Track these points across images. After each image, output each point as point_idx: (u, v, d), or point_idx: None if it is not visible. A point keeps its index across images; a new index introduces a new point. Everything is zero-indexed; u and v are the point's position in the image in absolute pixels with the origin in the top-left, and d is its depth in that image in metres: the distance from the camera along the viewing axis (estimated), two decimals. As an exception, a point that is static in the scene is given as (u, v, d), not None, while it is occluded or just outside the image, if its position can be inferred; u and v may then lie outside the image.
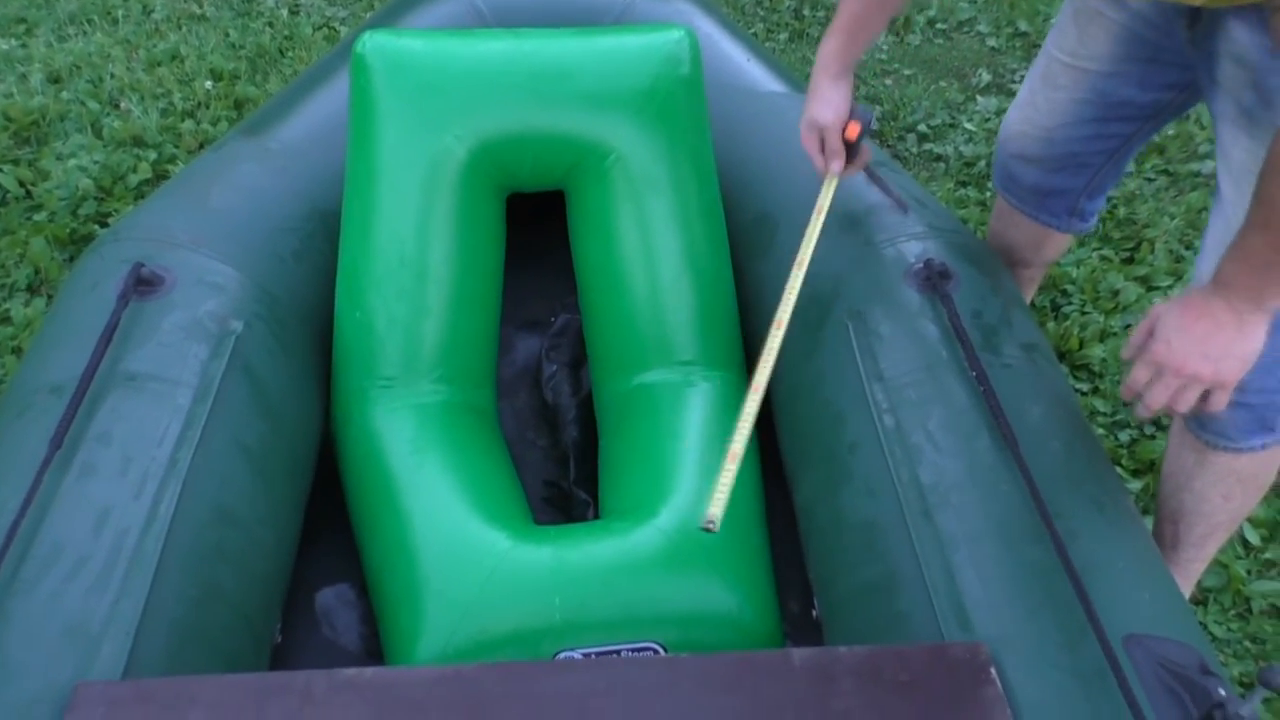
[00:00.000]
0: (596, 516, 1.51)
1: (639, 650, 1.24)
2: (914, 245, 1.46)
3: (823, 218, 1.43)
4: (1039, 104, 1.53)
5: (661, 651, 1.24)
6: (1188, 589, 1.54)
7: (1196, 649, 1.04)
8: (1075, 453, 1.24)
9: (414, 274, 1.49)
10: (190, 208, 1.54)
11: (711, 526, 1.12)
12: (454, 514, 1.32)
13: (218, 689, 0.95)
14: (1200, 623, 1.60)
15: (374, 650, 1.40)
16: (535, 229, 1.81)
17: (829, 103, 1.41)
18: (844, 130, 1.43)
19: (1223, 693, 0.97)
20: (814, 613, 1.35)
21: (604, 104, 1.51)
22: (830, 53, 1.42)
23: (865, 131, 1.44)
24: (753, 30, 3.20)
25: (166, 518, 1.12)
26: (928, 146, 2.70)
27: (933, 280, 1.40)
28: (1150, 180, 2.51)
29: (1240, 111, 1.18)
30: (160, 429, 1.21)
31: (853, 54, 1.43)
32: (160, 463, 1.17)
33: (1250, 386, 1.19)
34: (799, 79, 1.88)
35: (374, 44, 1.48)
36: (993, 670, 0.99)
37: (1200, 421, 1.33)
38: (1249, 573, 1.67)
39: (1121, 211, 2.42)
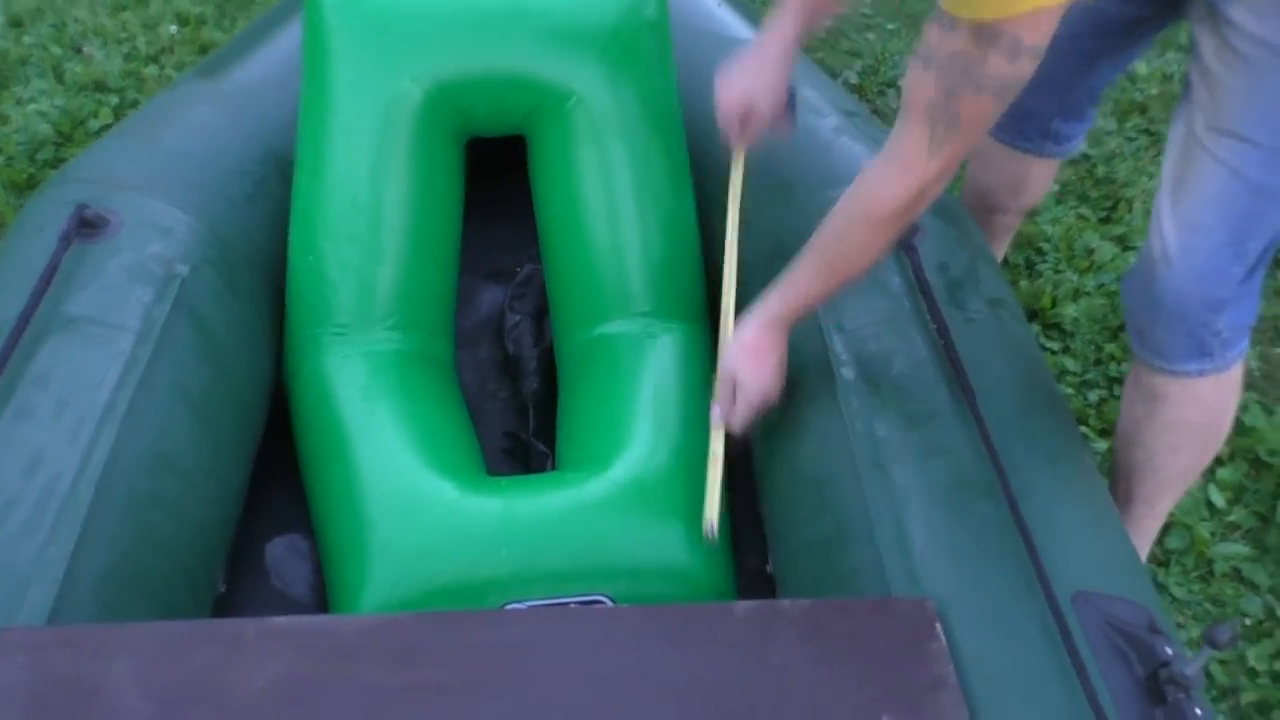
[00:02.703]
0: (555, 468, 1.49)
1: (587, 602, 1.22)
2: (881, 197, 1.43)
3: (738, 191, 1.43)
4: None
5: (609, 604, 1.22)
6: (1144, 548, 1.54)
7: (1146, 608, 1.02)
8: (1034, 409, 1.22)
9: (368, 219, 1.45)
10: (140, 150, 1.50)
11: (710, 534, 1.23)
12: (403, 463, 1.30)
13: (144, 636, 0.93)
14: (1162, 584, 1.60)
15: (325, 602, 1.38)
16: (503, 178, 1.77)
17: (770, 84, 1.37)
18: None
19: (1169, 651, 0.95)
20: (768, 568, 1.33)
21: (565, 45, 1.47)
22: (780, 30, 1.36)
23: (792, 99, 1.44)
24: None
25: (100, 463, 1.09)
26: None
27: (898, 232, 1.37)
28: (1131, 139, 2.48)
29: (1204, 5, 1.18)
30: (99, 373, 1.18)
31: (803, 37, 1.39)
32: (97, 407, 1.14)
33: (1191, 317, 1.25)
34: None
35: (326, -18, 1.44)
36: (938, 625, 0.97)
37: (1142, 340, 1.34)
38: (1212, 535, 1.66)
39: (1100, 170, 2.39)
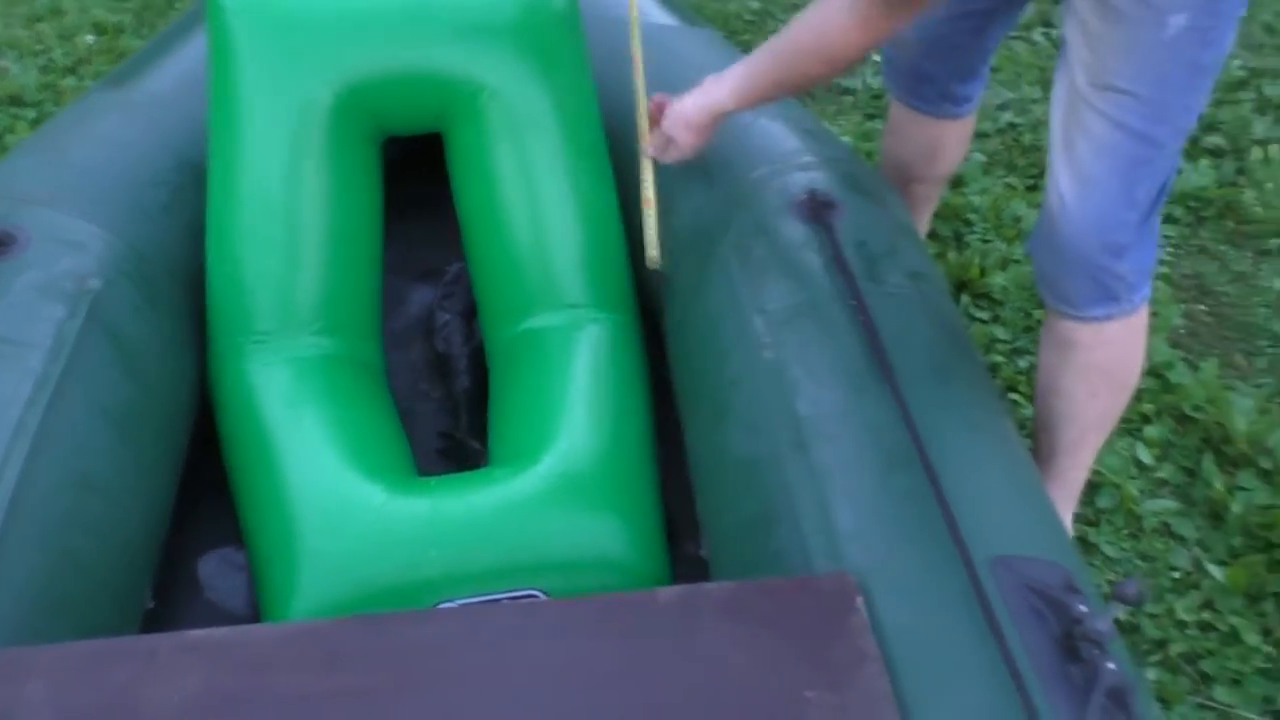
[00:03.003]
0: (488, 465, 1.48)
1: (519, 598, 1.22)
2: (800, 176, 1.44)
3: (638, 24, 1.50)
4: None
5: (542, 598, 1.22)
6: (1071, 501, 1.56)
7: (1064, 567, 1.04)
8: (953, 379, 1.23)
9: (284, 224, 1.44)
10: (49, 164, 1.47)
11: (653, 264, 1.36)
12: (329, 469, 1.29)
13: (57, 657, 0.92)
14: (1093, 543, 1.62)
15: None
16: (428, 176, 1.75)
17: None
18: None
19: (1084, 609, 0.96)
20: (701, 552, 1.34)
21: (474, 40, 1.46)
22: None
23: None
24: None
25: (11, 483, 1.07)
26: (836, 80, 2.67)
27: (817, 210, 1.38)
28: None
29: None
30: (8, 392, 1.15)
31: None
32: (7, 427, 1.12)
33: (1093, 262, 1.31)
34: (690, 12, 1.84)
35: (228, -15, 1.42)
36: (859, 600, 0.98)
37: (1051, 290, 1.39)
38: (1141, 492, 1.68)
39: (1027, 139, 2.41)
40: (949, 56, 1.61)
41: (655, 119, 1.43)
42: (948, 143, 1.75)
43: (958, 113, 1.70)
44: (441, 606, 1.20)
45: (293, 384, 1.39)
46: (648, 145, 1.44)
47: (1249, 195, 2.28)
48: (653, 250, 1.36)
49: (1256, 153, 2.40)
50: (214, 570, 1.40)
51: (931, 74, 1.64)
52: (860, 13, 1.18)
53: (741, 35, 2.84)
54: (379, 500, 1.25)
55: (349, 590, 1.20)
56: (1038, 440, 1.54)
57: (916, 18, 1.22)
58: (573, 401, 1.40)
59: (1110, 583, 1.56)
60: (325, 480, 1.28)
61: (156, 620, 1.26)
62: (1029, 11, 2.78)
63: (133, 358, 1.31)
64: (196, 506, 1.43)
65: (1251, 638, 1.50)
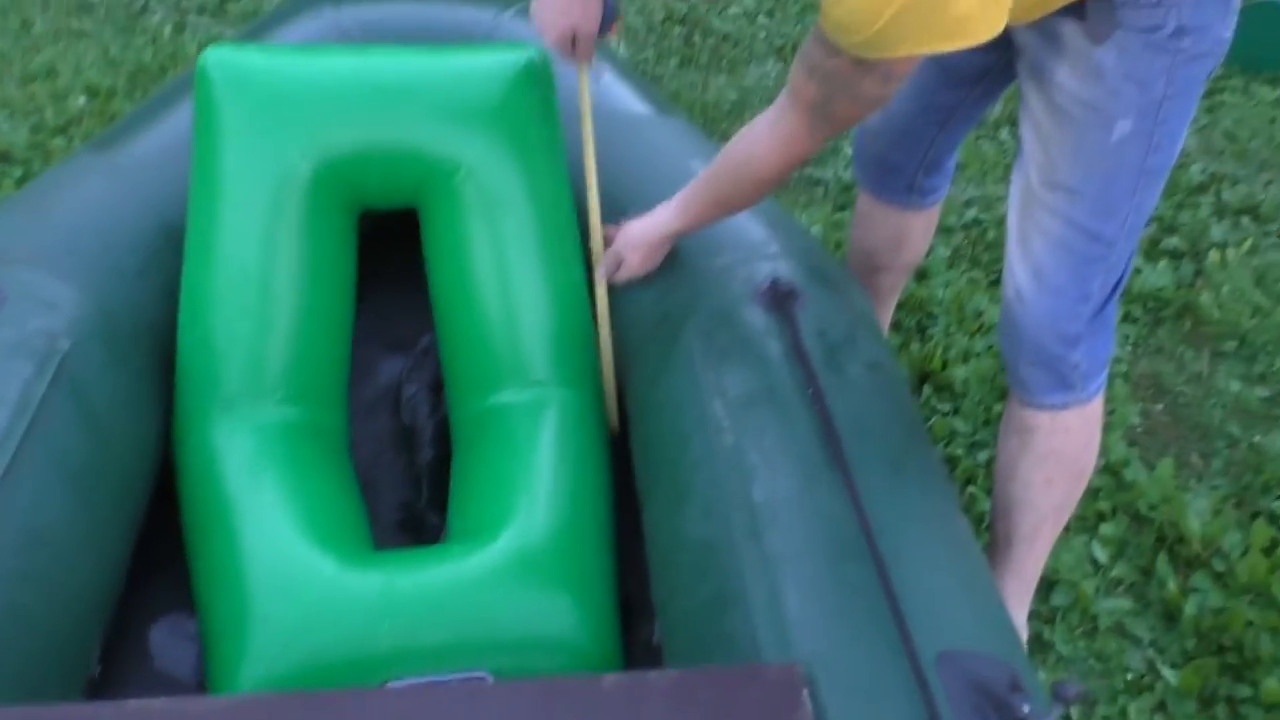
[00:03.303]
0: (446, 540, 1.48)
1: (467, 679, 1.21)
2: (764, 265, 1.47)
3: (589, 109, 1.54)
4: None
5: (489, 680, 1.22)
6: (1026, 593, 1.58)
7: (1010, 664, 1.05)
8: (907, 470, 1.25)
9: (257, 291, 1.46)
10: (30, 223, 1.49)
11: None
12: (284, 538, 1.29)
13: (-6, 722, 0.91)
14: (1048, 641, 1.63)
15: (208, 682, 1.35)
16: (404, 248, 1.78)
17: (588, 6, 1.42)
18: (604, 33, 1.47)
19: (1026, 708, 0.97)
20: (655, 638, 1.34)
21: (452, 119, 1.50)
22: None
23: (618, 20, 1.52)
24: (643, 56, 3.22)
25: (-37, 539, 1.07)
26: (808, 171, 2.73)
27: (778, 300, 1.41)
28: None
29: (1031, 66, 1.30)
30: (-32, 449, 1.16)
31: None
32: (-37, 482, 1.12)
33: (1047, 351, 1.36)
34: (666, 102, 1.89)
35: (217, 58, 1.46)
36: (805, 692, 0.99)
37: (1012, 376, 1.45)
38: (1096, 590, 1.70)
39: (991, 234, 2.47)
40: (915, 149, 1.66)
41: (610, 242, 1.53)
42: (913, 233, 1.80)
43: (923, 204, 1.76)
44: (389, 685, 1.19)
45: (255, 451, 1.39)
46: (599, 268, 1.54)
47: (1206, 297, 2.34)
48: (608, 371, 1.54)
49: (1214, 256, 2.46)
50: (164, 638, 1.39)
51: (899, 165, 1.70)
52: (783, 132, 1.24)
53: (720, 124, 2.91)
54: (332, 572, 1.25)
55: (298, 661, 1.19)
56: (995, 529, 1.56)
57: (837, 136, 1.28)
58: (533, 480, 1.41)
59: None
60: (280, 549, 1.28)
61: (102, 687, 1.25)
62: (995, 110, 2.88)
63: (96, 418, 1.32)
64: (152, 570, 1.42)
65: (1202, 740, 1.51)
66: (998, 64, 1.45)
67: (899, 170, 1.70)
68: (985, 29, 1.02)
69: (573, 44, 1.45)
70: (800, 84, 1.18)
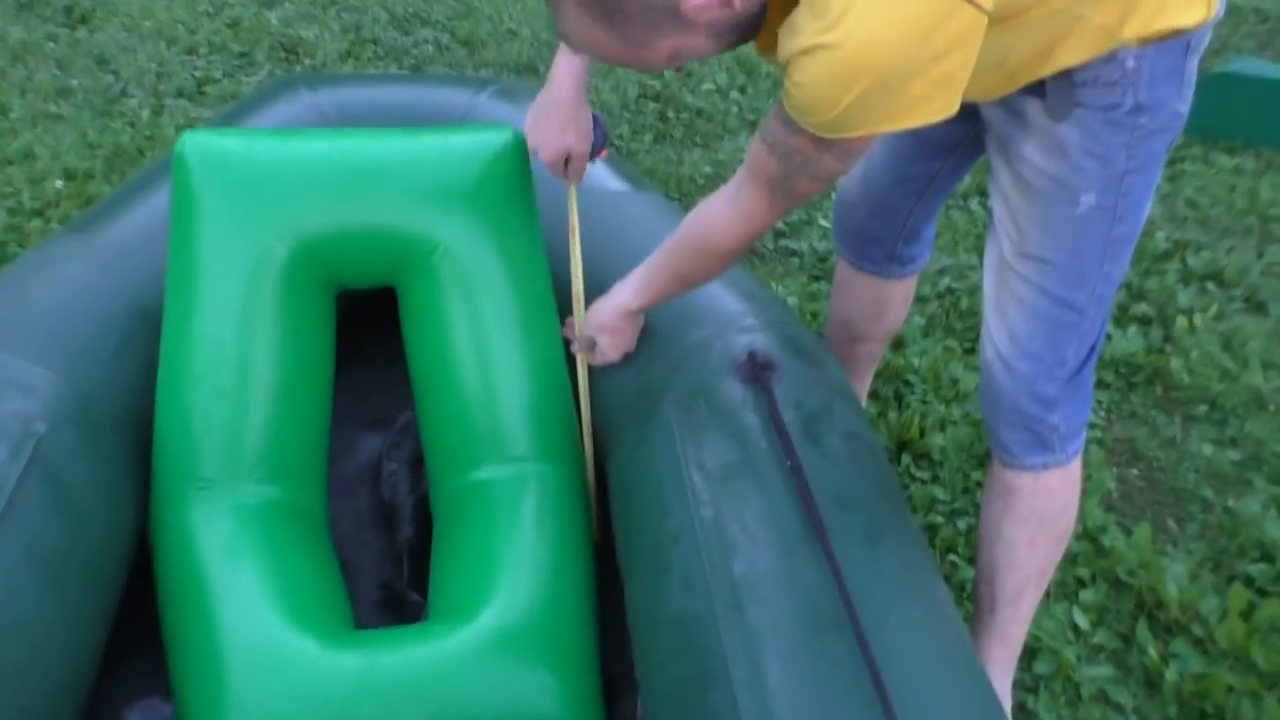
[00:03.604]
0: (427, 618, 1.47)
1: (449, 759, 1.20)
2: (741, 338, 1.49)
3: (576, 223, 1.58)
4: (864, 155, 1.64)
5: (472, 760, 1.21)
6: (1011, 659, 1.57)
7: (993, 738, 1.05)
8: (886, 542, 1.25)
9: (234, 372, 1.46)
10: (6, 307, 1.49)
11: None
12: (263, 620, 1.27)
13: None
14: (1032, 710, 1.62)
15: (185, 769, 1.33)
16: (383, 327, 1.79)
17: (579, 129, 1.49)
18: (594, 156, 1.54)
19: (1011, 781, 0.97)
20: (638, 713, 1.33)
21: (429, 200, 1.52)
22: (574, 74, 1.47)
23: (607, 147, 1.61)
24: (618, 132, 3.28)
25: (-67, 630, 1.05)
26: (784, 242, 2.77)
27: (755, 372, 1.42)
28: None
29: (998, 140, 1.34)
30: (-59, 536, 1.15)
31: (583, 92, 1.50)
32: (-64, 571, 1.11)
33: (1026, 413, 1.40)
34: (640, 178, 1.92)
35: (194, 142, 1.48)
36: (788, 767, 0.98)
37: (994, 439, 1.47)
38: (1078, 658, 1.70)
39: (965, 303, 2.51)
40: (894, 219, 1.70)
41: (568, 164, 1.53)
42: (893, 302, 1.83)
43: (903, 273, 1.79)
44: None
45: (233, 532, 1.39)
46: (577, 347, 1.56)
47: (1176, 363, 2.37)
48: (588, 448, 1.58)
49: (1182, 321, 2.51)
50: (139, 723, 1.37)
51: (878, 235, 1.73)
52: (743, 208, 1.26)
53: (694, 198, 2.96)
54: (312, 653, 1.24)
55: (276, 747, 1.17)
56: (979, 594, 1.56)
57: (795, 208, 1.31)
58: (514, 556, 1.40)
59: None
60: (259, 631, 1.26)
61: (73, 776, 1.22)
62: (965, 182, 2.94)
63: (71, 502, 1.31)
64: (127, 654, 1.40)
65: (1189, 809, 1.50)
66: (970, 134, 1.49)
67: (878, 240, 1.73)
68: (940, 110, 1.06)
69: (565, 165, 1.51)
70: (761, 160, 1.20)
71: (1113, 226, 1.29)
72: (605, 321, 1.51)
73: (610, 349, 1.53)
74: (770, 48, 1.16)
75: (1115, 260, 1.32)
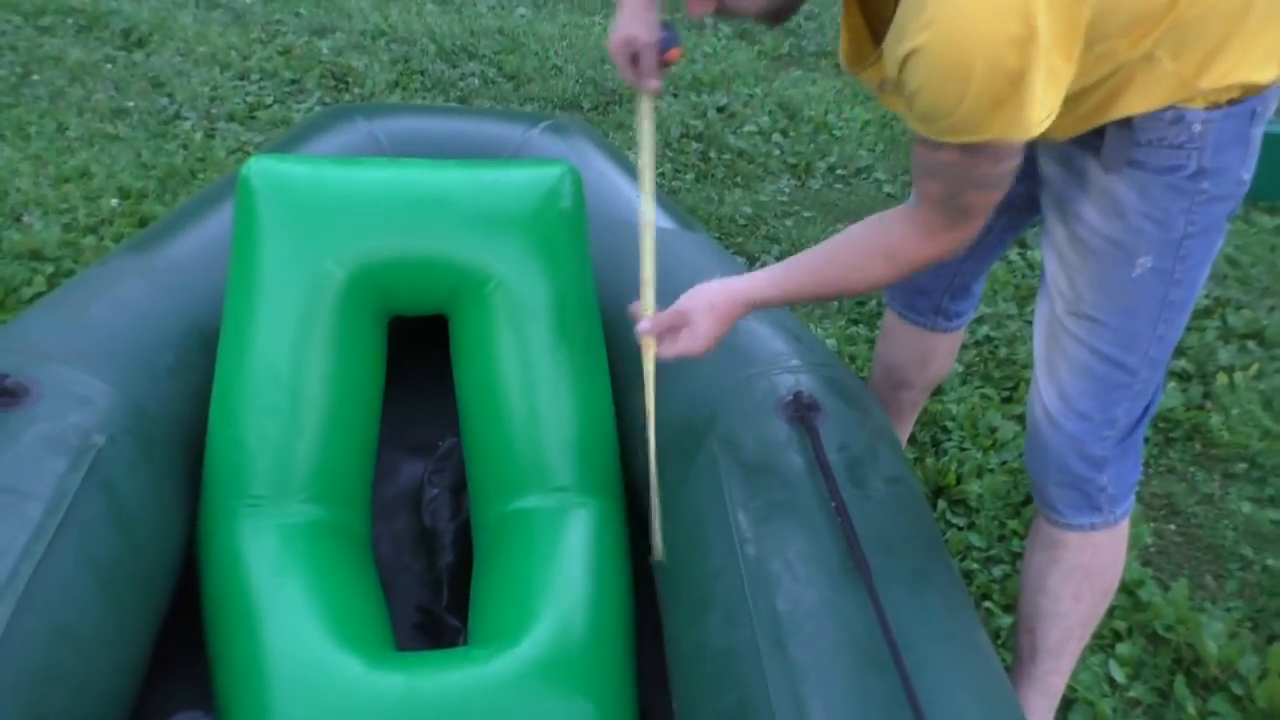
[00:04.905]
0: (466, 643, 1.48)
1: (488, 784, 1.21)
2: (787, 378, 1.50)
3: (650, 140, 1.43)
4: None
5: (511, 785, 1.21)
6: (1049, 710, 1.56)
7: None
8: (928, 584, 1.26)
9: (287, 393, 1.49)
10: (67, 321, 1.53)
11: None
12: (308, 638, 1.29)
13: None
14: (1067, 760, 1.61)
15: (222, 783, 1.34)
16: (428, 353, 1.82)
17: (645, 22, 1.40)
18: (663, 52, 1.41)
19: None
20: (675, 746, 1.33)
21: (485, 232, 1.55)
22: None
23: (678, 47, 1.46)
24: (661, 171, 3.32)
25: (-5, 634, 1.08)
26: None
27: (800, 413, 1.43)
28: (1030, 323, 2.62)
29: (1055, 198, 1.33)
30: (4, 542, 1.17)
31: None
32: (-1, 578, 1.13)
33: (1074, 473, 1.38)
34: (687, 216, 1.95)
35: (259, 167, 1.52)
36: (832, 804, 0.99)
37: (1040, 496, 1.46)
38: (1114, 711, 1.68)
39: (1003, 352, 2.51)
40: (943, 274, 1.70)
41: (634, 59, 1.39)
42: (937, 353, 1.83)
43: (948, 327, 1.79)
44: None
45: (280, 550, 1.41)
46: (647, 326, 1.38)
47: (1215, 420, 2.36)
48: (657, 548, 1.43)
49: (1222, 379, 2.50)
50: (180, 735, 1.38)
51: (926, 289, 1.73)
52: (919, 222, 1.21)
53: (734, 238, 2.98)
54: (356, 673, 1.25)
55: (319, 764, 1.19)
56: (1020, 642, 1.55)
57: (979, 224, 1.21)
58: (555, 585, 1.42)
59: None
60: (303, 649, 1.28)
61: (118, 785, 1.24)
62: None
63: (125, 514, 1.34)
64: (169, 666, 1.42)
65: None
66: (1023, 196, 1.49)
67: (926, 293, 1.74)
68: (1052, 105, 1.05)
69: (634, 65, 1.40)
70: (924, 188, 1.18)
71: (1169, 290, 1.28)
72: (716, 302, 1.33)
73: (706, 334, 1.33)
74: (859, 60, 1.17)
75: (1170, 323, 1.31)
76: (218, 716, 1.33)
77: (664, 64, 1.41)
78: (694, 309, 1.34)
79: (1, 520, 1.19)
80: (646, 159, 1.43)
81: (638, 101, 1.44)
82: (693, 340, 1.34)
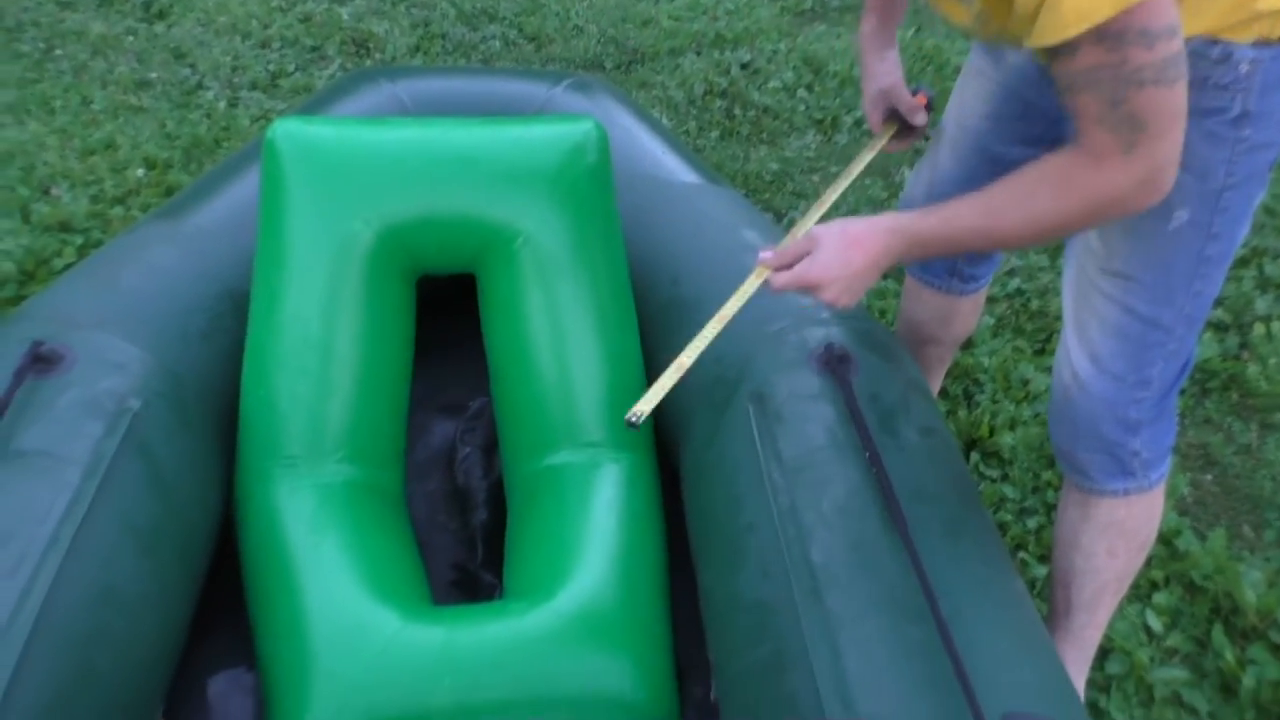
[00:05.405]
0: (502, 598, 1.49)
1: (530, 733, 1.22)
2: (818, 330, 1.49)
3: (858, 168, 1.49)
4: (930, 163, 1.63)
5: (550, 735, 1.23)
6: (1085, 661, 1.56)
7: (1073, 727, 1.04)
8: (964, 533, 1.25)
9: (319, 354, 1.49)
10: (98, 288, 1.54)
11: (635, 420, 1.15)
12: (346, 594, 1.30)
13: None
14: (1104, 710, 1.61)
15: (266, 738, 1.36)
16: (457, 314, 1.82)
17: (887, 72, 1.49)
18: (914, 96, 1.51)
19: (1095, 769, 0.97)
20: (712, 696, 1.34)
21: (511, 188, 1.54)
22: (870, 32, 1.49)
23: (930, 102, 1.55)
24: (685, 129, 3.29)
25: (40, 598, 1.09)
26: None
27: (832, 364, 1.42)
28: (1061, 275, 2.58)
29: None
30: (44, 506, 1.19)
31: (889, 29, 1.51)
32: (40, 540, 1.15)
33: (1106, 438, 1.34)
34: (714, 172, 1.93)
35: (284, 130, 1.51)
36: (870, 750, 0.99)
37: (1069, 463, 1.42)
38: (1151, 660, 1.68)
39: (1034, 304, 2.48)
40: None
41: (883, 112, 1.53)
42: (960, 312, 1.81)
43: (965, 289, 1.76)
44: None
45: (316, 509, 1.42)
46: (768, 257, 1.22)
47: (1253, 370, 2.33)
48: (644, 405, 1.17)
49: (1259, 329, 2.46)
50: (223, 691, 1.41)
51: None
52: (1088, 149, 1.06)
53: (761, 195, 2.96)
54: (395, 627, 1.26)
55: (360, 715, 1.20)
56: (1054, 596, 1.55)
57: (1163, 141, 1.05)
58: (589, 539, 1.42)
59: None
60: (342, 605, 1.29)
61: (163, 740, 1.26)
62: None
63: (163, 477, 1.35)
64: (210, 625, 1.44)
65: (1265, 815, 1.48)
66: (1048, 151, 1.47)
67: (940, 257, 1.71)
68: None
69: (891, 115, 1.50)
70: (1080, 110, 1.05)
71: (1206, 244, 1.23)
72: (851, 229, 1.15)
73: (824, 263, 1.14)
74: None
75: (1207, 279, 1.26)
76: (260, 673, 1.34)
77: (919, 108, 1.52)
78: (824, 233, 1.16)
79: (41, 484, 1.21)
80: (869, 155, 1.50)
81: (873, 144, 1.52)
82: (811, 266, 1.15)
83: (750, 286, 1.24)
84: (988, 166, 1.52)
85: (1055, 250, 2.71)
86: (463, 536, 1.66)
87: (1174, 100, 1.02)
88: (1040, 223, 1.12)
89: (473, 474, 1.71)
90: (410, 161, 1.53)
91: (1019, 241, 1.15)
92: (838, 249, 1.15)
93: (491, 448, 1.75)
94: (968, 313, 1.82)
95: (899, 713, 1.03)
